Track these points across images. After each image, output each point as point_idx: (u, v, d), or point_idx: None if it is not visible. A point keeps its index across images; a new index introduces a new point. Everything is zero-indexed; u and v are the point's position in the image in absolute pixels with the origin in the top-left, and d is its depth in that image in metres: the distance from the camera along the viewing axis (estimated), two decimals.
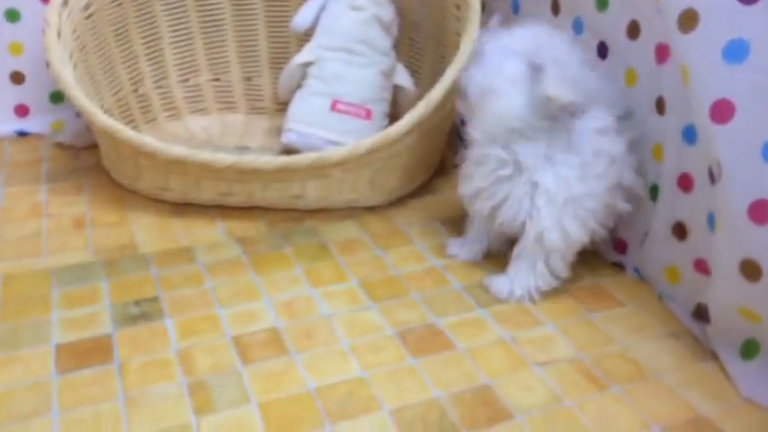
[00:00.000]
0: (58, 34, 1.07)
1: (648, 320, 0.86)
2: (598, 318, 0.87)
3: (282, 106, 1.30)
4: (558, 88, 0.79)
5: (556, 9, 1.07)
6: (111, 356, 0.77)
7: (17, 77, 1.29)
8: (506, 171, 0.85)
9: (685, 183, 0.85)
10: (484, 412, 0.71)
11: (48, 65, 1.04)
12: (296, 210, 1.08)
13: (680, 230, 0.87)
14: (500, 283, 0.90)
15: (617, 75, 0.94)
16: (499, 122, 0.84)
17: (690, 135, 0.83)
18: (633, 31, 0.91)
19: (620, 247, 0.98)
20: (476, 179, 0.89)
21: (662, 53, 0.86)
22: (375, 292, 0.90)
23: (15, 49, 1.27)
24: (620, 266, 0.97)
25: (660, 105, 0.88)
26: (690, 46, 0.76)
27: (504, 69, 0.83)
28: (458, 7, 1.17)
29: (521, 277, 0.89)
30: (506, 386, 0.75)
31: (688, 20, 0.76)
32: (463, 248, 0.98)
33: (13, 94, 1.29)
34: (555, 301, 0.90)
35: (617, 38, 0.94)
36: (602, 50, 0.97)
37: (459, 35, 1.15)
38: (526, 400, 0.73)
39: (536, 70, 0.81)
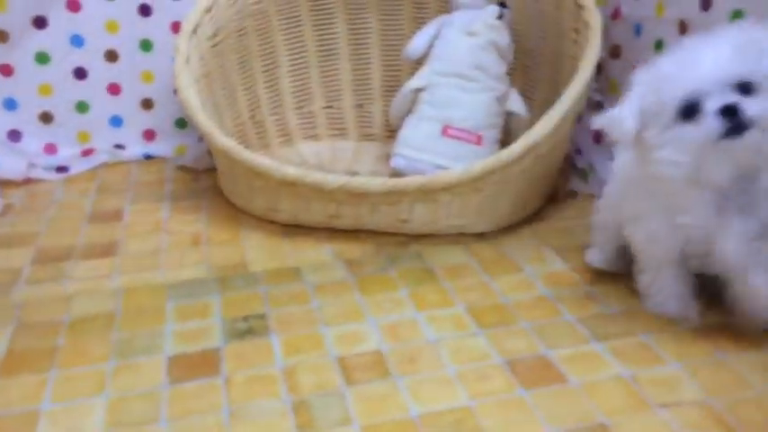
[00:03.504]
0: (187, 60, 1.13)
1: None
2: (731, 359, 0.79)
3: (392, 133, 1.31)
4: None
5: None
6: (219, 370, 0.78)
7: (147, 104, 1.37)
8: None
9: None
10: None
11: (175, 91, 1.10)
12: (403, 234, 1.07)
13: None
14: None
15: None
16: None
17: None
18: None
19: None
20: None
21: None
22: (482, 318, 0.87)
23: (147, 77, 1.36)
24: None
25: None
26: None
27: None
28: (576, 31, 1.13)
29: None
30: (625, 427, 0.69)
31: None
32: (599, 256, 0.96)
33: (142, 119, 1.38)
34: (680, 338, 0.82)
35: None
36: None
37: (576, 59, 1.12)
38: None
39: None
